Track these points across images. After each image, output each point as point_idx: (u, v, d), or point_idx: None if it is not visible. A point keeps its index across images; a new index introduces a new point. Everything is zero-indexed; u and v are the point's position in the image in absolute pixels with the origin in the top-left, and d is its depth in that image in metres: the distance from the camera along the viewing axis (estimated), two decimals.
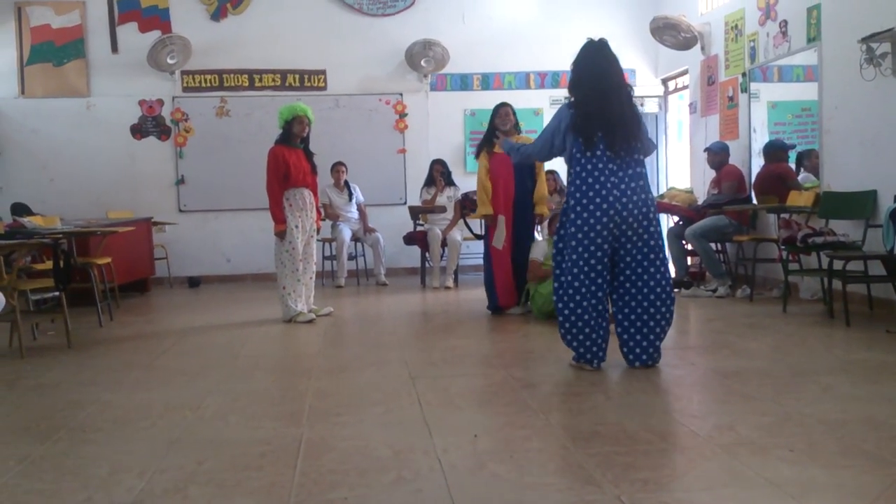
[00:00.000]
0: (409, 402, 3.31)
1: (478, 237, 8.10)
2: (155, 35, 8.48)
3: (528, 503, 2.16)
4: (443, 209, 7.77)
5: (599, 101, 3.63)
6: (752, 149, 7.15)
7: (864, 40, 5.20)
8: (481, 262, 8.16)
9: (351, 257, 8.13)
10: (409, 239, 7.96)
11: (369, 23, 8.75)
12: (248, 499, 2.26)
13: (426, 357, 4.39)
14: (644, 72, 9.00)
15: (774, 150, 6.71)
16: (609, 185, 3.58)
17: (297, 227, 5.67)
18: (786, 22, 6.49)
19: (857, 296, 5.26)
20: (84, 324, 5.64)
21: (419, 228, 7.96)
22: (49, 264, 5.68)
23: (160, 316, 6.67)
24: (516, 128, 5.82)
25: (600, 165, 3.61)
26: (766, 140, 6.98)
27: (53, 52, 8.55)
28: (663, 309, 3.66)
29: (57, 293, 5.01)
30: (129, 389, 3.79)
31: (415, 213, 7.95)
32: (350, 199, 8.06)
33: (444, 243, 7.66)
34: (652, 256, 3.66)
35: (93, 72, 8.60)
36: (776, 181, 6.50)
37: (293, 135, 5.71)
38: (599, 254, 3.60)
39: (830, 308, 5.15)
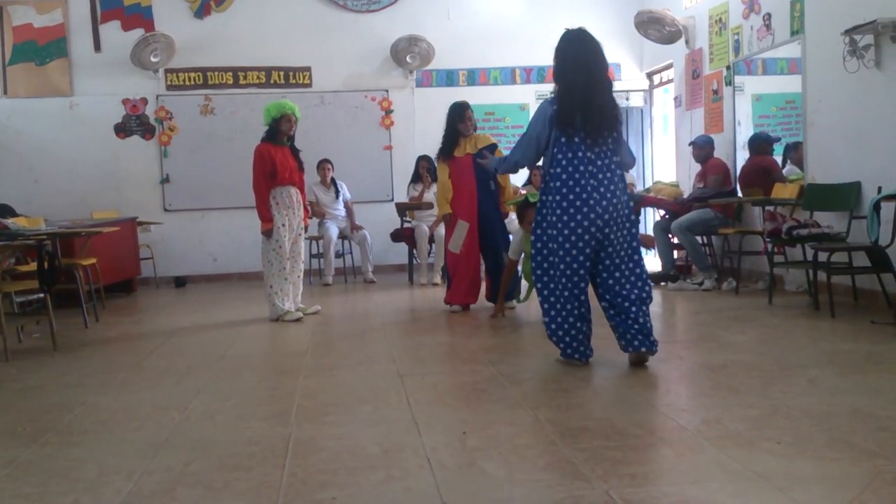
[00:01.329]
0: (397, 400, 3.30)
1: None
2: (138, 33, 8.42)
3: (517, 500, 2.16)
4: (430, 205, 7.75)
5: (584, 88, 3.55)
6: (736, 142, 7.18)
7: (848, 32, 5.23)
8: None
9: (338, 255, 8.11)
10: (397, 236, 7.95)
11: (354, 19, 8.72)
12: (237, 500, 2.25)
13: (414, 354, 4.38)
14: (629, 66, 9.02)
15: (759, 143, 6.75)
16: (591, 186, 3.52)
17: (283, 225, 5.65)
18: (769, 15, 6.52)
19: (841, 287, 5.30)
20: (69, 325, 5.60)
21: (406, 225, 7.95)
22: (33, 266, 5.65)
23: (146, 316, 6.63)
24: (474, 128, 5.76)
25: (581, 167, 3.54)
26: (751, 133, 7.01)
27: (36, 51, 8.48)
28: (643, 295, 3.66)
29: (42, 295, 4.96)
30: (115, 391, 3.77)
31: (402, 209, 7.93)
32: (337, 197, 8.04)
33: (431, 240, 7.65)
34: (630, 251, 3.69)
35: (76, 71, 8.53)
36: (761, 174, 6.54)
37: (280, 132, 5.67)
38: (581, 258, 3.58)
39: (816, 300, 5.18)
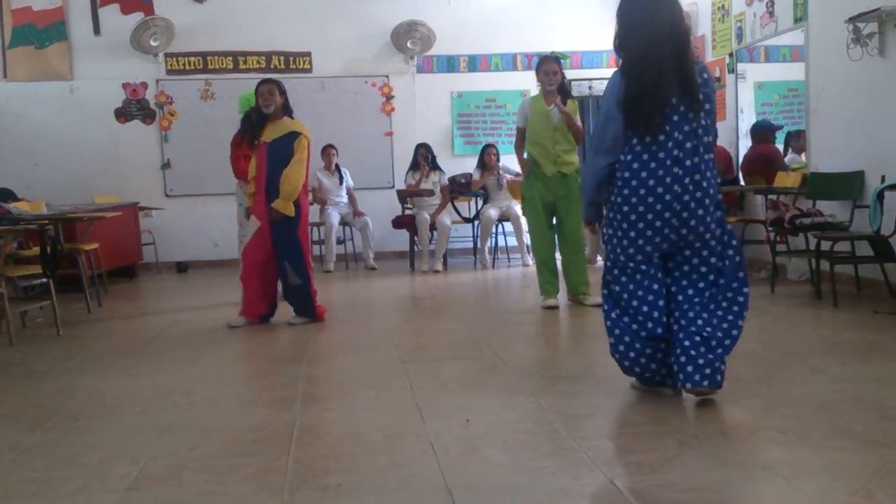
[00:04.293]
0: (400, 386, 3.31)
1: (466, 221, 8.12)
2: (137, 17, 8.39)
3: (521, 487, 2.17)
4: (431, 192, 7.75)
5: (650, 64, 2.76)
6: (739, 130, 7.17)
7: (852, 20, 5.21)
8: (470, 245, 8.24)
9: (339, 241, 8.11)
10: (398, 223, 7.94)
11: (354, 3, 8.67)
12: (243, 485, 2.26)
13: (416, 341, 4.39)
14: None
15: (761, 131, 6.73)
16: (668, 179, 2.76)
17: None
18: (772, 2, 6.49)
19: (844, 276, 5.30)
20: (72, 310, 5.60)
21: (408, 212, 7.94)
22: (36, 250, 5.64)
23: (148, 301, 6.64)
24: (286, 110, 4.88)
25: (660, 153, 2.77)
26: (753, 121, 7.00)
27: (35, 34, 8.43)
28: (718, 334, 2.80)
29: (45, 279, 4.96)
30: (119, 376, 3.77)
31: (403, 196, 7.92)
32: (340, 183, 8.02)
33: (432, 227, 7.65)
34: (710, 269, 2.86)
35: (75, 55, 8.49)
36: (763, 162, 6.53)
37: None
38: (652, 270, 2.87)
39: (818, 289, 5.18)
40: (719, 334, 2.79)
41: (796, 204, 5.66)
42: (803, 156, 6.44)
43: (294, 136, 4.81)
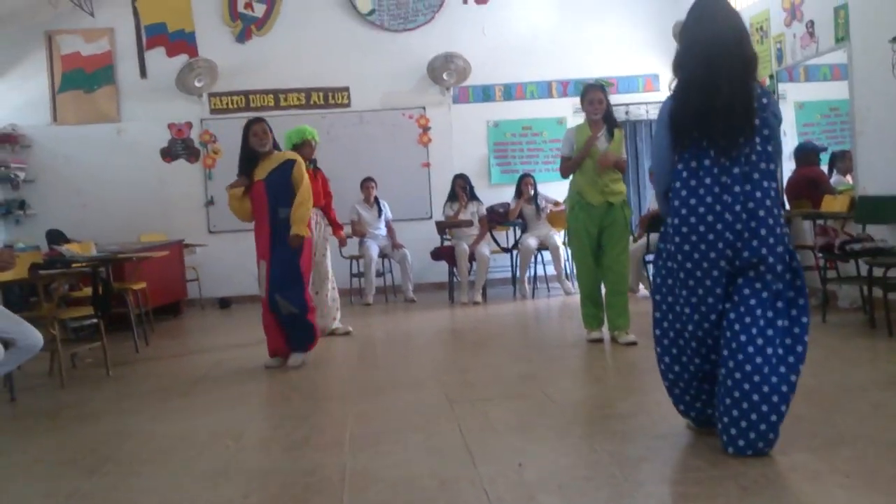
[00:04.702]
0: (449, 427, 3.29)
1: (505, 250, 8.11)
2: (182, 59, 8.59)
3: None
4: (469, 223, 7.76)
5: (703, 85, 2.66)
6: (783, 152, 7.06)
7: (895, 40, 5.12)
8: (509, 275, 8.21)
9: (379, 274, 8.13)
10: (437, 254, 7.95)
11: (391, 38, 8.79)
12: None
13: (461, 378, 4.35)
14: (667, 76, 8.92)
15: (806, 153, 6.62)
16: (718, 206, 2.64)
17: None
18: (812, 22, 6.40)
19: (894, 302, 5.15)
20: (121, 349, 5.69)
21: (446, 244, 7.95)
22: (86, 291, 5.77)
23: (194, 339, 6.73)
24: (275, 146, 4.90)
25: (707, 180, 2.67)
26: (797, 143, 6.89)
27: (84, 78, 8.70)
28: (782, 368, 2.60)
29: (95, 320, 5.06)
30: (171, 417, 3.82)
31: (442, 228, 7.94)
32: (379, 216, 8.07)
33: (471, 258, 7.65)
34: (766, 305, 2.64)
35: (123, 97, 8.73)
36: (809, 186, 6.41)
37: (303, 157, 5.79)
38: (711, 299, 2.70)
39: (871, 317, 5.03)
40: (774, 380, 2.57)
41: (845, 228, 5.52)
42: (849, 177, 6.31)
43: (290, 163, 4.84)
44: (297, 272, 4.80)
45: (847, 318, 5.47)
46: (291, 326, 4.83)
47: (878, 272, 4.88)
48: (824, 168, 6.71)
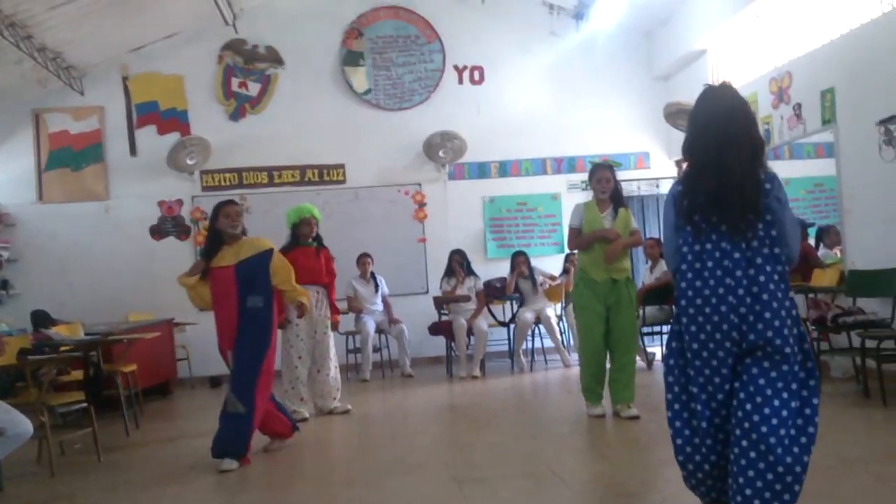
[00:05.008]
0: None
1: (502, 324, 8.04)
2: (174, 137, 8.62)
3: None
4: (467, 298, 7.71)
5: (712, 168, 2.70)
6: None
7: (883, 123, 5.27)
8: (506, 348, 8.11)
9: (375, 349, 8.01)
10: (435, 329, 7.87)
11: (387, 116, 8.91)
12: None
13: (467, 458, 4.23)
14: (658, 154, 9.10)
15: None
16: (723, 288, 2.65)
17: (297, 325, 5.65)
18: (800, 105, 6.55)
19: (888, 373, 5.16)
20: (110, 433, 5.47)
21: (444, 318, 7.87)
22: (74, 375, 5.60)
23: (185, 422, 6.51)
24: (243, 230, 4.66)
25: (710, 263, 2.69)
26: None
27: (72, 157, 8.68)
28: (788, 459, 2.51)
29: (83, 404, 4.88)
30: None
31: (440, 303, 7.88)
32: (376, 291, 8.00)
33: (469, 332, 7.57)
34: (775, 389, 2.60)
35: (111, 175, 8.71)
36: (799, 260, 6.43)
37: (301, 235, 5.86)
38: (717, 379, 2.69)
39: (865, 387, 5.08)
40: (788, 460, 2.50)
41: (835, 301, 5.61)
42: (836, 251, 6.41)
43: (269, 253, 4.58)
44: (257, 368, 4.39)
45: (841, 388, 5.51)
46: (228, 426, 4.38)
47: (870, 343, 4.94)
48: (811, 241, 6.80)
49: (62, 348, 5.28)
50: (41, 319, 7.23)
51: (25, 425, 3.78)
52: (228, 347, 4.48)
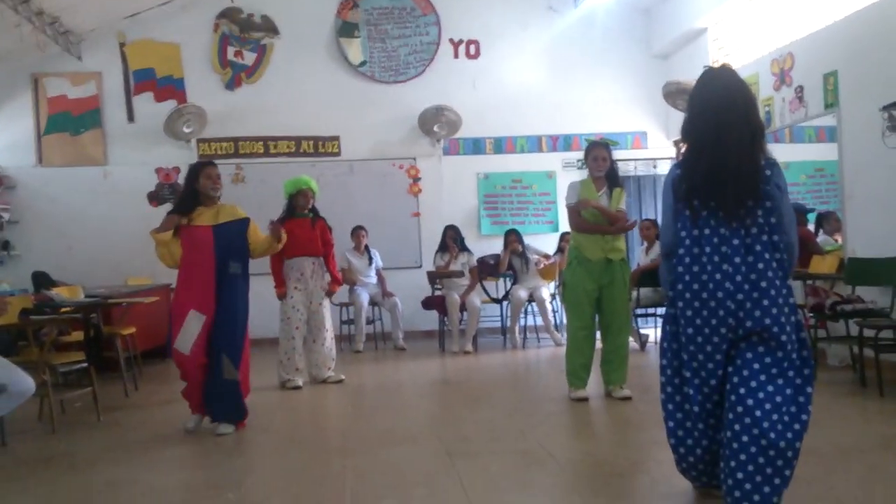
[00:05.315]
0: (451, 483, 3.28)
1: (495, 301, 8.15)
2: (171, 105, 8.64)
3: None
4: (461, 274, 7.81)
5: (711, 150, 2.71)
6: None
7: (886, 108, 5.25)
8: (499, 324, 8.24)
9: (369, 321, 8.13)
10: (428, 304, 7.98)
11: (382, 89, 8.94)
12: None
13: (458, 432, 4.32)
14: (655, 134, 9.14)
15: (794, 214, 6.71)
16: (720, 273, 2.67)
17: (292, 296, 5.85)
18: (802, 88, 6.50)
19: (885, 363, 5.21)
20: (110, 394, 5.60)
21: (437, 293, 7.98)
22: (74, 336, 5.71)
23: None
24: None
25: (708, 248, 2.70)
26: None
27: (70, 121, 8.70)
28: (781, 444, 2.54)
29: (84, 364, 4.99)
30: (166, 468, 3.77)
31: (433, 278, 7.99)
32: (370, 264, 8.10)
33: (462, 307, 7.69)
34: (769, 375, 2.63)
35: (109, 141, 8.74)
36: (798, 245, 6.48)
37: (298, 206, 5.97)
38: (711, 365, 2.73)
39: (862, 376, 5.07)
40: (781, 444, 2.53)
41: (834, 289, 5.57)
42: (836, 237, 6.38)
43: (246, 222, 4.62)
44: (242, 333, 4.46)
45: (837, 377, 5.53)
46: (221, 393, 4.38)
47: (868, 333, 4.94)
48: (811, 227, 6.81)
49: (63, 310, 5.39)
50: (42, 281, 7.33)
51: (28, 383, 3.88)
52: (198, 308, 4.36)
